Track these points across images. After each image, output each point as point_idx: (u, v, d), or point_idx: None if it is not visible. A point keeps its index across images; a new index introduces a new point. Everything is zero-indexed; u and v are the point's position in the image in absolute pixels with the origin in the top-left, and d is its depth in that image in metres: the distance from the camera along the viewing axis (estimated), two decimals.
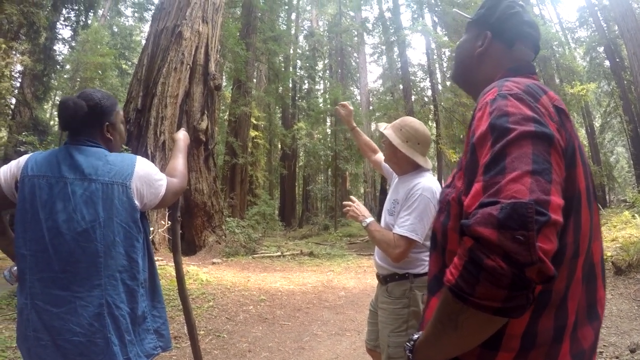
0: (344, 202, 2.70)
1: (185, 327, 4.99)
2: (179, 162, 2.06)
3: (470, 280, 0.81)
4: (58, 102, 1.82)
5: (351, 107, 3.15)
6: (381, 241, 2.45)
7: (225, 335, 5.04)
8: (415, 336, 1.09)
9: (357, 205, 2.63)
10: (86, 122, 1.76)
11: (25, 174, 1.67)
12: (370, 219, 2.54)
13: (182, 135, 2.25)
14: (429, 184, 2.49)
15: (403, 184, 2.60)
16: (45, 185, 1.64)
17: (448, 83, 21.63)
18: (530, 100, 0.98)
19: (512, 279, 0.77)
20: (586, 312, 1.05)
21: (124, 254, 1.65)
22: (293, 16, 32.50)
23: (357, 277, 9.48)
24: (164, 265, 8.12)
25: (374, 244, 2.60)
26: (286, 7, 28.71)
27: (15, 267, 1.75)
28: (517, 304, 0.80)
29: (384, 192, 21.47)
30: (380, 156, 3.09)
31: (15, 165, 1.73)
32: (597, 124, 24.62)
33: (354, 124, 3.18)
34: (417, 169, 2.62)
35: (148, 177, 1.75)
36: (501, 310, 0.81)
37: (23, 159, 1.75)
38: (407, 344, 1.10)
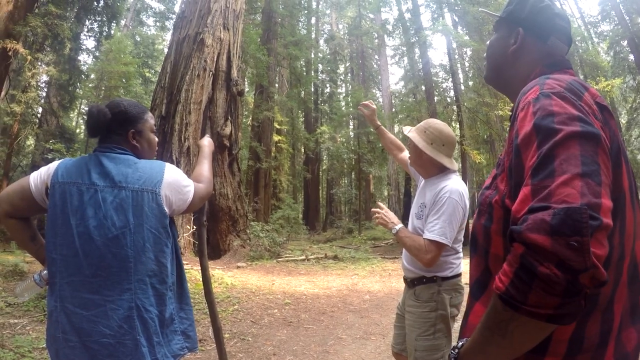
0: (373, 209, 2.67)
1: (210, 329, 5.04)
2: (205, 167, 2.10)
3: (522, 287, 0.80)
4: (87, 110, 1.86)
5: (374, 106, 3.14)
6: (412, 247, 2.43)
7: (250, 339, 5.08)
8: (460, 343, 1.07)
9: (386, 212, 2.60)
10: (110, 128, 1.81)
11: (56, 181, 1.72)
12: (399, 225, 2.52)
13: (207, 142, 2.30)
14: (456, 186, 2.47)
15: (430, 187, 2.58)
16: (76, 191, 1.69)
17: (470, 83, 21.44)
18: (574, 98, 0.96)
19: (566, 285, 0.76)
20: (630, 314, 1.03)
21: (153, 259, 1.69)
22: (313, 20, 32.65)
23: (381, 280, 9.43)
24: (189, 269, 8.23)
25: (404, 249, 2.59)
26: (305, 11, 28.87)
27: (45, 271, 1.80)
28: (569, 310, 0.80)
29: (408, 195, 21.35)
30: (406, 154, 3.04)
31: (45, 171, 1.78)
32: (623, 120, 23.94)
33: (378, 123, 3.17)
34: (443, 171, 2.60)
35: (176, 183, 1.79)
36: (554, 318, 0.80)
37: (53, 165, 1.80)
38: (452, 351, 1.08)
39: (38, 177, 1.78)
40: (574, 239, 0.76)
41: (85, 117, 1.94)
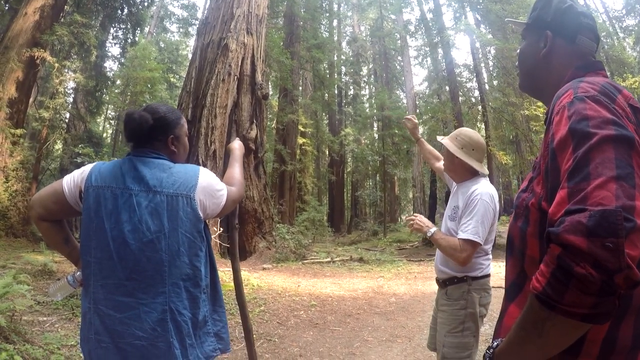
0: (407, 217, 2.95)
1: (236, 330, 5.11)
2: (236, 170, 2.13)
3: (559, 287, 0.84)
4: (124, 115, 1.90)
5: (416, 121, 3.40)
6: (447, 247, 2.58)
7: (276, 340, 5.13)
8: (495, 343, 1.10)
9: (420, 218, 2.80)
10: (151, 134, 1.84)
11: (90, 184, 1.75)
12: (434, 228, 2.70)
13: (237, 145, 2.33)
14: (487, 189, 2.64)
15: (462, 190, 2.74)
16: (110, 195, 1.72)
17: (495, 82, 21.11)
18: (608, 101, 0.99)
19: (601, 285, 0.79)
20: None
21: (188, 263, 1.72)
22: (335, 23, 32.72)
23: (407, 283, 9.38)
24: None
25: (440, 251, 2.72)
26: (327, 14, 28.93)
27: (79, 273, 1.85)
28: (604, 310, 0.83)
29: (433, 197, 21.17)
30: (442, 162, 3.23)
31: (78, 175, 1.82)
32: None
33: (419, 135, 3.44)
34: (474, 175, 2.77)
35: (210, 188, 1.81)
36: (589, 317, 0.83)
37: (87, 169, 1.83)
38: (487, 351, 1.11)
39: (72, 181, 1.81)
40: (609, 240, 0.79)
41: (123, 122, 1.98)
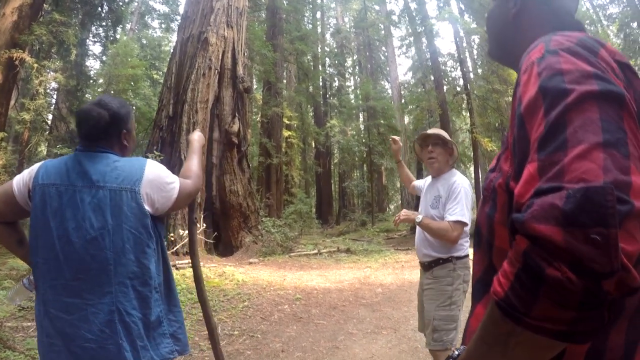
0: (394, 220, 3.20)
1: (220, 328, 5.04)
2: (193, 162, 2.05)
3: (525, 295, 0.62)
4: (78, 112, 1.82)
5: (401, 144, 3.61)
6: (439, 229, 2.87)
7: (259, 335, 5.06)
8: (456, 353, 0.91)
9: (405, 211, 3.12)
10: (107, 130, 1.77)
11: (37, 183, 1.69)
12: (421, 215, 3.00)
13: (196, 136, 2.24)
14: (464, 179, 3.04)
15: (441, 182, 3.08)
16: (55, 193, 1.65)
17: (480, 71, 21.18)
18: (588, 54, 0.77)
19: (583, 295, 0.59)
20: None
21: (134, 260, 1.65)
22: (318, 15, 32.48)
23: (394, 272, 9.37)
24: (201, 267, 8.24)
25: (430, 234, 2.98)
26: (310, 6, 28.67)
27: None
28: (587, 327, 0.62)
29: None
30: (414, 182, 3.69)
31: (27, 174, 1.76)
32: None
33: (400, 158, 3.69)
34: (451, 168, 3.19)
35: (158, 180, 1.73)
36: (566, 335, 0.62)
37: (35, 167, 1.77)
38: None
39: (21, 181, 1.75)
40: (595, 230, 0.58)
41: (79, 119, 1.86)
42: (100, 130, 1.75)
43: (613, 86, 0.71)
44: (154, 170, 1.74)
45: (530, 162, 0.70)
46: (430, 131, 3.27)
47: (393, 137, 3.60)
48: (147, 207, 1.68)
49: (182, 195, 1.82)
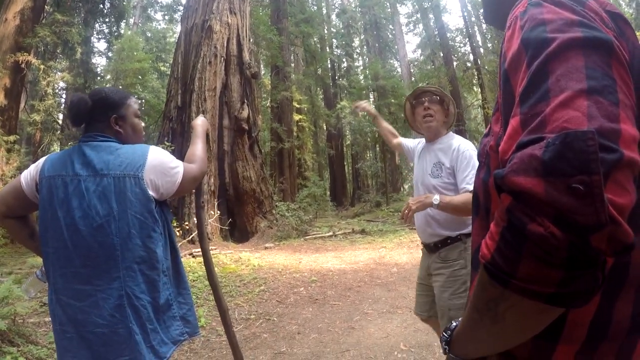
0: (403, 215, 2.56)
1: (236, 312, 5.12)
2: (198, 147, 2.05)
3: (510, 254, 0.58)
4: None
5: (363, 104, 3.43)
6: (464, 204, 2.39)
7: (275, 318, 5.12)
8: (454, 324, 0.87)
9: (413, 199, 2.55)
10: (93, 116, 1.79)
11: (43, 175, 1.72)
12: (436, 196, 2.51)
13: (200, 121, 2.24)
14: (467, 142, 2.69)
15: (439, 147, 2.73)
16: (61, 184, 1.68)
17: (489, 45, 20.86)
18: (573, 3, 0.72)
19: (569, 251, 0.54)
20: None
21: (140, 245, 1.67)
22: None
23: (409, 252, 9.37)
24: (217, 254, 8.35)
25: (452, 213, 2.56)
26: None
27: None
28: (579, 288, 0.57)
29: None
30: (400, 139, 3.35)
31: (34, 168, 1.80)
32: None
33: (375, 113, 3.45)
34: (448, 131, 2.84)
35: (162, 166, 1.75)
36: (556, 298, 0.58)
37: (41, 161, 1.81)
38: (444, 334, 0.88)
39: (28, 175, 1.79)
40: (576, 178, 0.54)
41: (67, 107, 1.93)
42: (81, 115, 1.77)
43: (600, 33, 0.67)
44: (156, 156, 1.76)
45: (513, 116, 0.67)
46: (425, 86, 2.90)
47: (354, 105, 3.43)
48: (151, 193, 1.70)
49: (187, 179, 1.83)
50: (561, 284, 0.56)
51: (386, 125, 3.46)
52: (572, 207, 0.53)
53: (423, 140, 2.99)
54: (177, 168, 1.80)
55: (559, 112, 0.59)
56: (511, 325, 0.67)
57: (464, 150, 2.58)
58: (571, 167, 0.54)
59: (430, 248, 2.70)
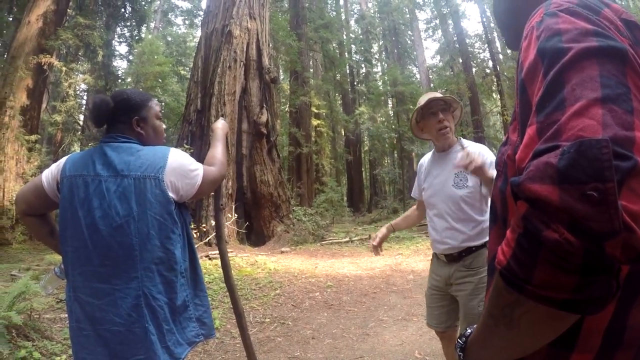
0: (463, 161, 2.22)
1: (251, 315, 5.13)
2: (218, 150, 2.06)
3: (526, 261, 0.59)
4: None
5: (376, 242, 2.98)
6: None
7: (290, 323, 5.12)
8: (469, 331, 0.88)
9: (469, 155, 2.22)
10: (115, 117, 1.82)
11: (64, 175, 1.75)
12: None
13: (220, 124, 2.25)
14: (479, 145, 2.64)
15: (453, 156, 2.59)
16: (82, 184, 1.71)
17: (509, 51, 20.62)
18: (588, 13, 0.73)
19: (584, 257, 0.54)
20: None
21: (159, 246, 1.69)
22: (341, 1, 32.29)
23: (426, 259, 9.27)
24: (233, 257, 8.39)
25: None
26: None
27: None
28: (593, 294, 0.57)
29: None
30: (416, 204, 3.07)
31: (55, 167, 1.83)
32: None
33: (392, 227, 3.06)
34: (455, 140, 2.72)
35: (182, 168, 1.76)
36: (571, 304, 0.58)
37: (62, 160, 1.83)
38: (459, 340, 0.89)
39: (50, 174, 1.82)
40: (591, 186, 0.54)
41: (89, 108, 1.95)
42: (103, 116, 1.80)
43: (614, 42, 0.67)
44: (177, 159, 1.77)
45: (529, 125, 0.68)
46: (430, 95, 2.71)
47: (372, 245, 3.00)
48: (171, 194, 1.71)
49: (206, 181, 1.84)
50: (576, 290, 0.57)
51: (408, 220, 3.16)
52: (587, 214, 0.54)
53: (427, 156, 2.90)
54: (197, 170, 1.81)
55: (574, 121, 0.60)
56: (526, 332, 0.66)
57: (482, 152, 2.47)
58: (585, 175, 0.54)
59: (453, 257, 2.61)
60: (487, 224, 2.30)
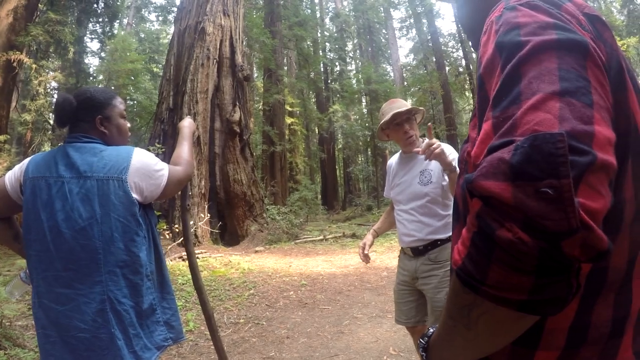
0: (425, 149, 2.22)
1: (225, 316, 5.07)
2: (184, 149, 2.02)
3: (481, 261, 0.57)
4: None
5: (366, 252, 2.97)
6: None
7: (264, 322, 5.08)
8: (431, 330, 0.86)
9: (430, 143, 2.23)
10: (78, 116, 1.77)
11: (27, 177, 1.69)
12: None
13: (187, 123, 2.20)
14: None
15: (418, 156, 2.66)
16: (45, 185, 1.65)
17: None
18: (549, 7, 0.70)
19: (539, 258, 0.52)
20: None
21: (123, 249, 1.64)
22: None
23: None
24: (207, 257, 8.30)
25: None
26: None
27: None
28: (552, 295, 0.55)
29: None
30: (390, 205, 3.10)
31: (18, 169, 1.76)
32: None
33: (375, 233, 3.10)
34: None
35: (146, 168, 1.72)
36: (529, 305, 0.56)
37: (25, 161, 1.77)
38: (421, 340, 0.88)
39: (12, 176, 1.75)
40: (545, 182, 0.52)
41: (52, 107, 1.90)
42: (66, 115, 1.75)
43: (575, 35, 0.65)
44: (141, 159, 1.73)
45: (485, 120, 0.65)
46: (395, 109, 2.71)
47: (362, 256, 2.98)
48: (135, 196, 1.67)
49: (172, 182, 1.80)
50: (533, 291, 0.54)
51: (385, 224, 3.16)
52: (541, 212, 0.52)
53: (395, 157, 2.96)
54: (162, 171, 1.77)
55: (529, 115, 0.57)
56: (485, 333, 0.65)
57: (444, 145, 2.36)
58: (540, 171, 0.52)
59: (419, 251, 2.65)
60: (449, 218, 2.42)
